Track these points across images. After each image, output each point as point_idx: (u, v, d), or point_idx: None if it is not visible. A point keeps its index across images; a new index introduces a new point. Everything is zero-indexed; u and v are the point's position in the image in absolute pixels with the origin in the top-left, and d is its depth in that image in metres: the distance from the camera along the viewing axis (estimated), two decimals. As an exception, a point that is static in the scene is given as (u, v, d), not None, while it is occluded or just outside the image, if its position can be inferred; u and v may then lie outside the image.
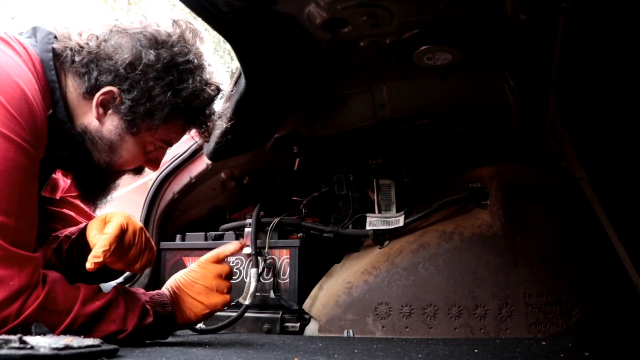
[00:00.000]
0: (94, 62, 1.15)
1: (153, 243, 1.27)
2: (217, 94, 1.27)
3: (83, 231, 1.26)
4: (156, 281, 1.83)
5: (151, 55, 1.15)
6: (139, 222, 1.24)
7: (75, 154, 1.21)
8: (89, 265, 1.11)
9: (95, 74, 1.15)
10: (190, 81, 1.21)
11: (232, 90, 1.49)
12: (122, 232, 1.18)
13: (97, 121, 1.19)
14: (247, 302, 1.59)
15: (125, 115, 1.18)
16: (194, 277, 1.30)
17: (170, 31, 1.19)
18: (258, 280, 1.62)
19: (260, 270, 1.65)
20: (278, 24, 1.22)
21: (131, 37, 1.16)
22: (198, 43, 1.23)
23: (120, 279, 1.81)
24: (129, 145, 1.23)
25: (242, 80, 1.42)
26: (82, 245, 1.26)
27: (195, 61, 1.21)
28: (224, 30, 1.20)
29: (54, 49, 1.16)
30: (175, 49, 1.18)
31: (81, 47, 1.15)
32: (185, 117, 1.25)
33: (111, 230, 1.17)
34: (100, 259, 1.11)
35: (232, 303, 1.62)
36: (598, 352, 1.12)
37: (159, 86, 1.17)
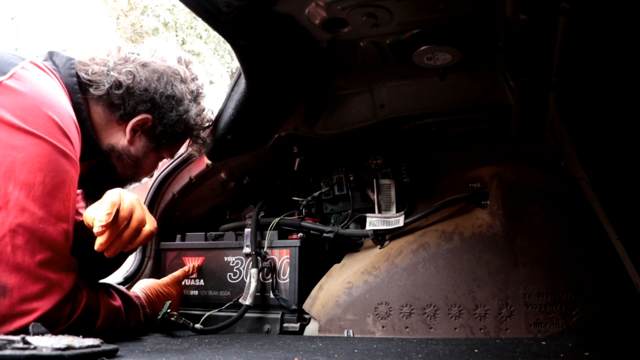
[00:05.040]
0: (130, 94, 1.35)
1: (152, 218, 1.30)
2: (212, 114, 1.57)
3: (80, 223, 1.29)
4: (156, 281, 1.83)
5: (182, 88, 1.41)
6: (133, 195, 1.28)
7: (96, 169, 1.37)
8: (96, 230, 1.17)
9: (131, 103, 1.35)
10: (204, 107, 1.50)
11: (232, 90, 1.50)
12: (118, 205, 1.21)
13: (126, 142, 1.38)
14: (247, 302, 1.59)
15: (156, 137, 1.42)
16: (170, 291, 1.60)
17: (183, 67, 1.44)
18: (258, 280, 1.62)
19: (259, 269, 1.64)
20: (278, 24, 1.22)
21: (160, 73, 1.38)
22: (201, 73, 1.50)
23: (120, 279, 1.81)
24: (150, 160, 1.47)
25: (242, 81, 1.42)
26: (81, 235, 1.28)
27: (205, 91, 1.50)
28: (224, 30, 1.20)
29: (78, 76, 1.32)
30: (194, 83, 1.46)
31: (119, 81, 1.34)
32: (194, 135, 1.53)
33: (109, 198, 1.21)
34: (104, 222, 1.16)
35: (231, 302, 1.63)
36: (598, 352, 1.12)
37: (186, 114, 1.43)
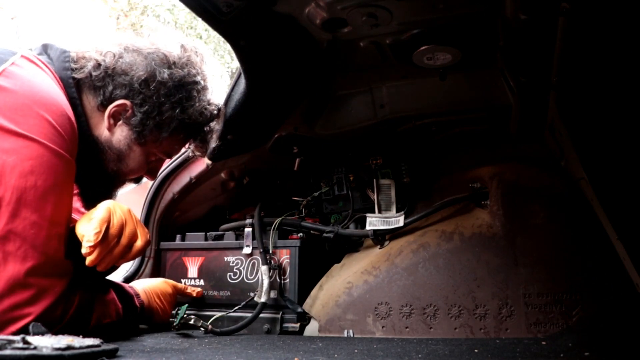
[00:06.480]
0: (110, 77, 1.26)
1: (144, 230, 1.26)
2: (217, 113, 1.42)
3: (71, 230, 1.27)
4: (156, 281, 1.83)
5: (165, 74, 1.28)
6: (124, 208, 1.25)
7: (86, 164, 1.27)
8: (84, 250, 1.15)
9: (110, 87, 1.26)
10: (196, 100, 1.34)
11: (232, 90, 1.50)
12: (108, 222, 1.18)
13: (107, 132, 1.30)
14: (262, 300, 1.58)
15: (135, 126, 1.30)
16: (165, 288, 1.58)
17: (179, 53, 1.32)
18: (270, 277, 1.61)
19: (269, 266, 1.63)
20: (278, 24, 1.22)
21: (145, 56, 1.28)
22: (203, 65, 1.37)
23: (120, 279, 1.81)
24: (135, 155, 1.34)
25: (243, 81, 1.42)
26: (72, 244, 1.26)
27: (202, 82, 1.35)
28: (224, 30, 1.20)
29: (71, 67, 1.25)
30: (185, 70, 1.32)
31: (99, 63, 1.25)
32: (188, 132, 1.40)
33: (98, 214, 1.18)
34: (92, 242, 1.14)
35: (245, 303, 1.62)
36: (598, 352, 1.12)
37: (169, 102, 1.30)
